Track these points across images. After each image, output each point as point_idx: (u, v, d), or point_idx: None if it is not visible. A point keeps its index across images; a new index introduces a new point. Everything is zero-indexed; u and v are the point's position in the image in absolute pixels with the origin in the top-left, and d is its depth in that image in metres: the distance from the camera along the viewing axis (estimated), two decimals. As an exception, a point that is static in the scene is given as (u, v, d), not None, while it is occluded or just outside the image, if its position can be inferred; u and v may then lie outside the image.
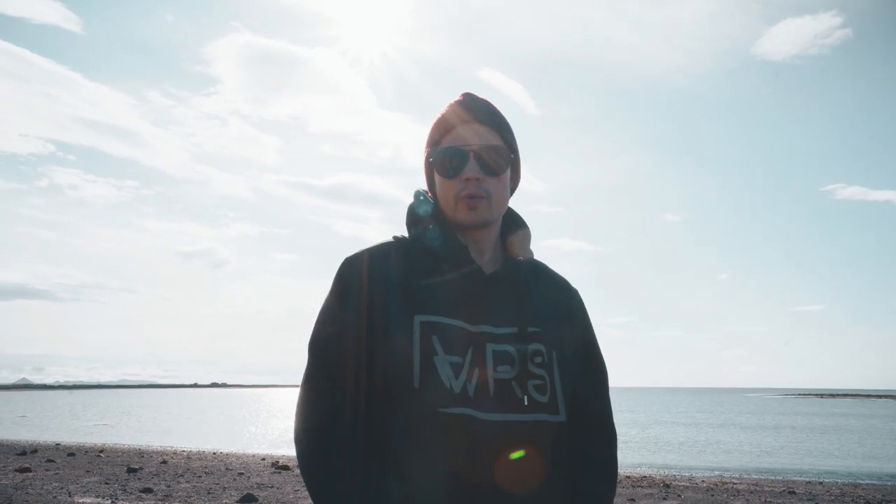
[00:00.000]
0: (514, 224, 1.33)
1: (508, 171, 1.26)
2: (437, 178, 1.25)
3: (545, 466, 1.15)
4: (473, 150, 1.21)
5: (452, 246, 1.22)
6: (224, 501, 8.69)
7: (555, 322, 1.25)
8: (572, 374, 1.24)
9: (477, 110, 1.26)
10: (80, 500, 8.14)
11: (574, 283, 1.40)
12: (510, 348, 1.17)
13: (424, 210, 1.25)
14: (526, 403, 1.14)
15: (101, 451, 15.75)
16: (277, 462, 14.00)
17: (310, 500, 9.37)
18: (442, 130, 1.26)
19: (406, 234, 1.29)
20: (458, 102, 1.28)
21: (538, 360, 1.18)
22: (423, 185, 1.33)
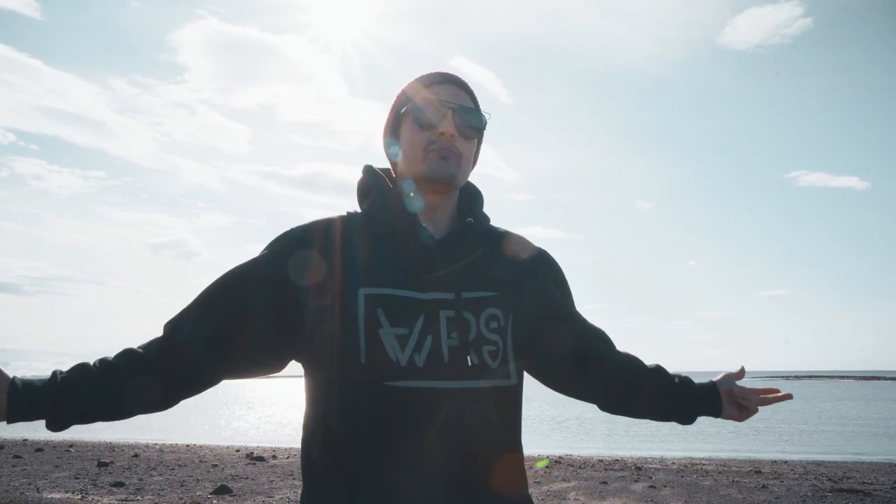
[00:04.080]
0: (467, 191, 1.31)
1: (476, 141, 1.25)
2: (406, 130, 1.21)
3: (497, 431, 1.14)
4: (452, 108, 1.19)
5: (401, 214, 1.18)
6: (198, 493, 8.61)
7: (513, 284, 1.22)
8: (531, 334, 1.22)
9: (455, 77, 1.26)
10: (50, 496, 7.99)
11: None
12: (465, 314, 1.13)
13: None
14: (478, 369, 1.12)
15: (71, 446, 15.48)
16: (252, 453, 13.90)
17: (287, 489, 9.34)
18: (420, 87, 1.22)
19: (355, 210, 1.27)
20: (436, 72, 1.27)
21: (493, 324, 1.15)
22: (370, 165, 1.29)
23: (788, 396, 1.38)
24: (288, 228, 1.21)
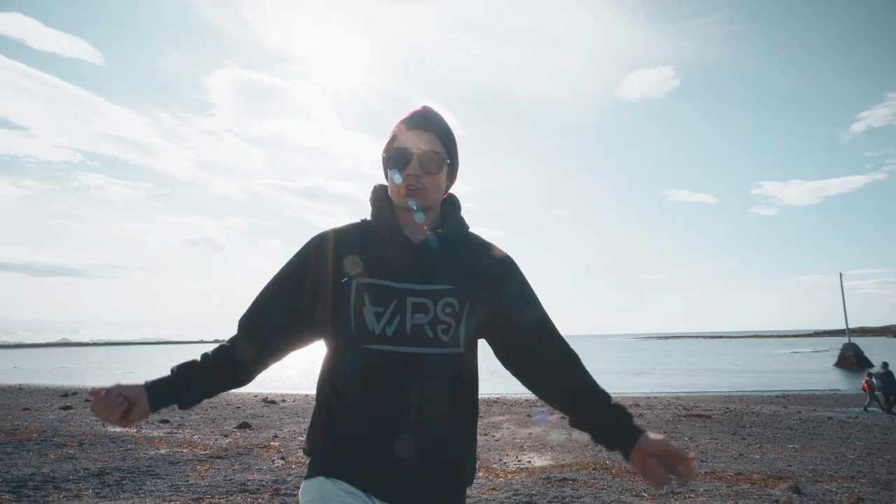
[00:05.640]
0: (449, 204, 1.31)
1: (443, 172, 1.22)
2: (387, 170, 1.24)
3: (449, 390, 1.15)
4: (417, 153, 1.19)
5: (389, 224, 1.21)
6: (225, 427, 8.56)
7: (471, 280, 1.20)
8: (483, 320, 1.20)
9: (426, 120, 1.23)
10: (113, 430, 7.78)
11: None
12: (426, 300, 1.15)
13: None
14: (432, 340, 1.14)
15: (127, 394, 14.97)
16: (266, 398, 13.75)
17: (293, 424, 9.14)
18: (396, 132, 1.23)
19: (369, 218, 1.27)
20: (415, 112, 1.25)
21: (448, 310, 1.16)
22: (379, 183, 1.30)
23: (691, 463, 1.10)
24: (315, 234, 1.24)
